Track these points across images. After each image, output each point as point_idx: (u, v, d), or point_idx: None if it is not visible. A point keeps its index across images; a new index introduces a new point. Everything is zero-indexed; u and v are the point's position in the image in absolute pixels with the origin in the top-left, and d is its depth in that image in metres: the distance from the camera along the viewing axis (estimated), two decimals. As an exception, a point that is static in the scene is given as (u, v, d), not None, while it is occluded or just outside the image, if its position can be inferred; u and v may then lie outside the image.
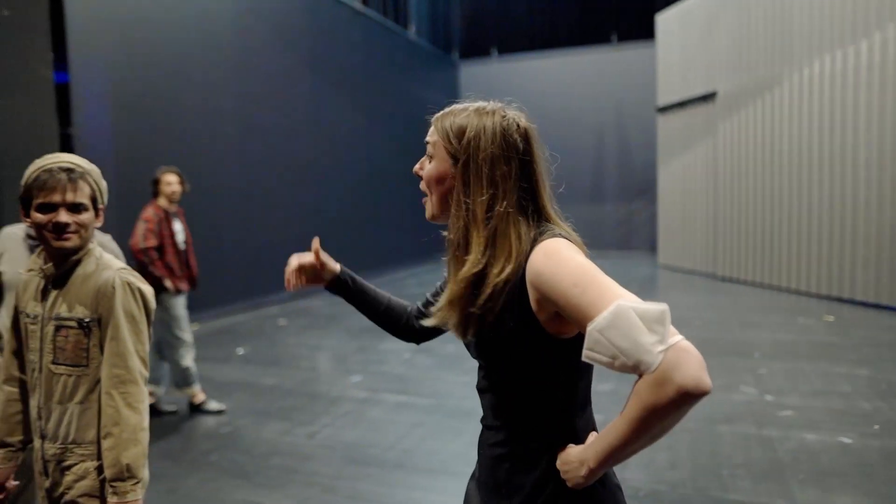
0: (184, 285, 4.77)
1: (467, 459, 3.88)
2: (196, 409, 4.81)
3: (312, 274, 1.57)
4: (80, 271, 1.73)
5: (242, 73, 9.17)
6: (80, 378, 1.70)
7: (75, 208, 1.67)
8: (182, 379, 4.77)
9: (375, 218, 12.80)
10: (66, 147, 6.61)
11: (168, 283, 4.63)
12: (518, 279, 1.12)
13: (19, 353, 1.82)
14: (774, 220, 9.96)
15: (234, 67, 9.03)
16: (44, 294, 1.73)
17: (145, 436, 1.73)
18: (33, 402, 1.75)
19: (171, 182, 4.80)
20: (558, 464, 1.16)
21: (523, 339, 1.13)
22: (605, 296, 1.00)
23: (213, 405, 4.80)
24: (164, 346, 4.75)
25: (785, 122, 9.62)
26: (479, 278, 1.15)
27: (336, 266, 1.59)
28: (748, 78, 10.48)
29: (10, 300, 2.42)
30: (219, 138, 8.61)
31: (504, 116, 1.20)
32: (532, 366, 1.16)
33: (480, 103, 1.24)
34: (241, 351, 6.77)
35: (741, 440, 4.05)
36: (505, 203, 1.15)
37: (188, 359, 4.77)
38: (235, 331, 7.79)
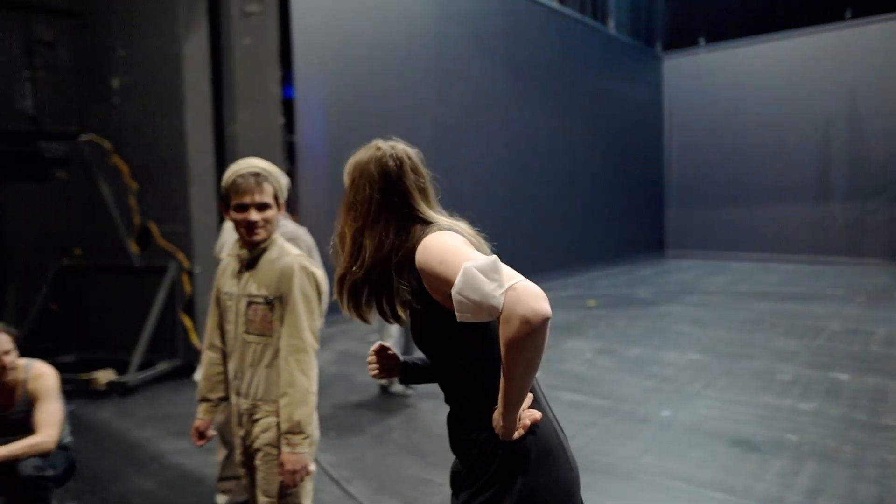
0: None
1: (637, 464, 3.78)
2: (384, 390, 5.26)
3: (388, 364, 1.64)
4: (266, 257, 2.07)
5: (441, 78, 9.71)
6: (266, 346, 2.04)
7: (262, 207, 2.01)
8: None
9: (570, 218, 12.72)
10: (290, 153, 7.59)
11: None
12: (414, 270, 1.29)
13: (220, 325, 2.21)
14: None
15: (433, 74, 9.59)
16: (238, 276, 2.09)
17: (314, 398, 2.01)
18: (231, 366, 2.13)
19: None
20: (493, 423, 1.28)
21: (433, 318, 1.31)
22: (460, 263, 1.14)
23: (398, 388, 5.21)
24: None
25: None
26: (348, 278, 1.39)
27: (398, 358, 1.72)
28: None
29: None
30: (419, 142, 9.20)
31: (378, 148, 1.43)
32: (450, 339, 1.31)
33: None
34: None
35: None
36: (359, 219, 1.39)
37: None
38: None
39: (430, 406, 4.89)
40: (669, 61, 16.44)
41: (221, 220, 6.31)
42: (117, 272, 6.37)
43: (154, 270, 6.13)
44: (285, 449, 1.97)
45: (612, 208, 14.29)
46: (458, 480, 1.44)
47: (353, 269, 1.38)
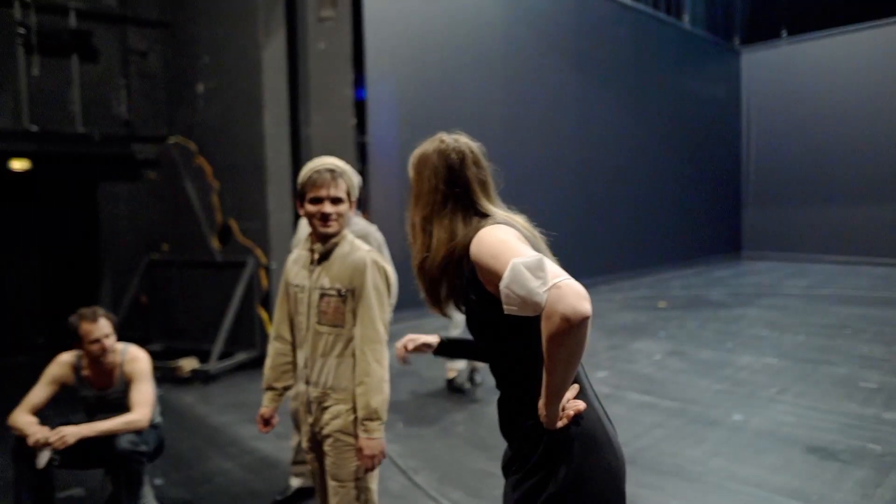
0: None
1: (706, 467, 3.71)
2: (450, 384, 5.35)
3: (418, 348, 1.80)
4: (338, 251, 2.18)
5: (510, 78, 9.72)
6: (338, 336, 2.15)
7: (336, 201, 2.12)
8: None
9: (642, 218, 12.45)
10: (362, 153, 7.80)
11: None
12: (470, 261, 1.35)
13: (288, 317, 2.33)
14: None
15: (503, 74, 9.61)
16: (311, 269, 2.21)
17: (387, 386, 2.11)
18: (300, 355, 2.24)
19: None
20: (538, 412, 1.32)
21: (486, 308, 1.35)
22: (510, 258, 1.20)
23: (462, 381, 5.29)
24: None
25: None
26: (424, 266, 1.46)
27: (433, 338, 1.80)
28: None
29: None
30: (488, 142, 9.25)
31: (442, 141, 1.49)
32: (501, 329, 1.36)
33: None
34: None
35: None
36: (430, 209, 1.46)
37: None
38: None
39: (494, 402, 4.94)
40: (748, 55, 15.81)
41: (296, 218, 6.58)
42: (200, 267, 6.74)
43: (234, 265, 6.46)
44: (363, 435, 2.08)
45: (687, 208, 13.89)
46: (508, 465, 1.49)
47: (427, 257, 1.45)
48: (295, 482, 3.48)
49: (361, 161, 7.67)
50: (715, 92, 14.94)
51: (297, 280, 2.25)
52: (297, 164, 6.58)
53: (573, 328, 1.12)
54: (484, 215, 1.45)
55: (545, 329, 1.15)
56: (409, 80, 8.31)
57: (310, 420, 2.22)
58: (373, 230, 3.55)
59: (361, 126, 7.69)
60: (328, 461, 2.17)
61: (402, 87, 8.23)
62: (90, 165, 7.59)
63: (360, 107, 7.57)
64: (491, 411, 4.77)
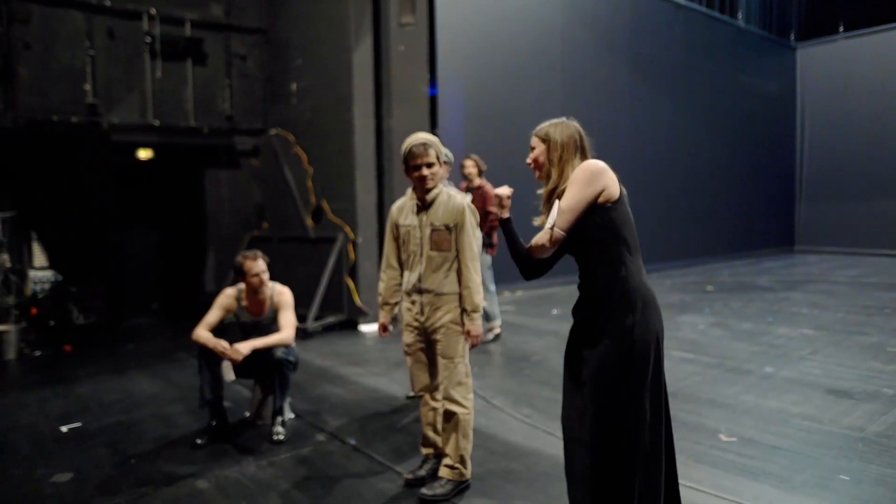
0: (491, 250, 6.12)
1: (737, 401, 4.42)
2: (496, 337, 6.38)
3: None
4: (439, 200, 3.08)
5: (568, 77, 10.42)
6: (444, 258, 3.04)
7: (430, 166, 3.01)
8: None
9: (696, 211, 12.93)
10: (433, 144, 8.67)
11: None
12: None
13: (397, 249, 3.22)
14: None
15: (561, 73, 10.33)
16: (418, 213, 3.09)
17: (482, 289, 3.00)
18: (413, 276, 3.10)
19: (465, 165, 6.20)
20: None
21: (595, 215, 2.19)
22: (573, 196, 2.15)
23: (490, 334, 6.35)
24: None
25: None
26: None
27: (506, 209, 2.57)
28: None
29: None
30: (545, 134, 9.99)
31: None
32: (594, 228, 2.17)
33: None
34: (555, 311, 8.01)
35: None
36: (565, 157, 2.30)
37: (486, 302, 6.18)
38: (553, 298, 9.07)
39: (553, 357, 5.73)
40: (804, 51, 16.01)
41: (381, 199, 7.52)
42: (296, 242, 7.76)
43: (325, 241, 7.43)
44: (468, 322, 2.99)
45: (741, 202, 14.26)
46: (571, 348, 2.30)
47: (557, 185, 2.26)
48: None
49: (433, 151, 8.53)
50: (770, 88, 15.23)
51: (407, 221, 3.14)
52: (380, 153, 7.51)
53: (540, 250, 2.18)
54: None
55: (539, 238, 2.15)
56: (476, 79, 9.13)
57: (422, 319, 3.09)
58: (455, 191, 4.42)
59: (433, 120, 8.57)
60: (440, 346, 3.05)
61: (469, 85, 9.07)
62: (198, 154, 8.73)
63: (431, 103, 8.45)
64: (549, 361, 5.56)
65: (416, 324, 3.12)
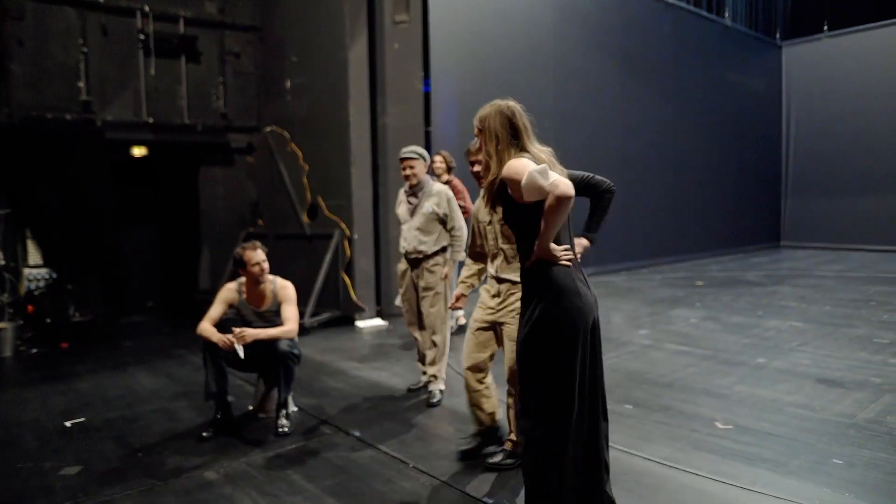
0: None
1: (731, 390, 4.53)
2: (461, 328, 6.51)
3: None
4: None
5: (559, 75, 10.52)
6: (514, 249, 3.13)
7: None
8: None
9: (684, 208, 13.09)
10: (427, 140, 8.73)
11: None
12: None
13: (476, 243, 3.47)
14: None
15: (552, 70, 10.42)
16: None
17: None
18: (493, 264, 3.28)
19: (434, 160, 6.27)
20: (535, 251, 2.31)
21: (516, 209, 2.31)
22: (524, 172, 2.17)
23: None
24: None
25: None
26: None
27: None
28: None
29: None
30: (540, 133, 10.08)
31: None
32: (525, 220, 2.29)
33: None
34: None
35: None
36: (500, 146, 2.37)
37: None
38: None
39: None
40: (789, 49, 16.23)
41: (376, 196, 7.57)
42: (292, 239, 7.79)
43: (321, 237, 7.47)
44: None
45: (728, 199, 14.45)
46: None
47: (495, 178, 2.35)
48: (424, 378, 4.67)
49: (427, 148, 8.60)
50: (756, 86, 15.43)
51: (484, 218, 3.31)
52: (375, 149, 7.56)
53: (563, 202, 2.12)
54: (524, 152, 2.36)
55: (547, 204, 2.13)
56: (468, 76, 9.19)
57: (496, 303, 3.26)
58: (444, 188, 4.57)
59: (427, 117, 8.62)
60: (511, 328, 3.17)
61: (461, 83, 9.13)
62: (193, 152, 8.73)
63: (426, 99, 8.50)
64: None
65: (494, 305, 3.31)
